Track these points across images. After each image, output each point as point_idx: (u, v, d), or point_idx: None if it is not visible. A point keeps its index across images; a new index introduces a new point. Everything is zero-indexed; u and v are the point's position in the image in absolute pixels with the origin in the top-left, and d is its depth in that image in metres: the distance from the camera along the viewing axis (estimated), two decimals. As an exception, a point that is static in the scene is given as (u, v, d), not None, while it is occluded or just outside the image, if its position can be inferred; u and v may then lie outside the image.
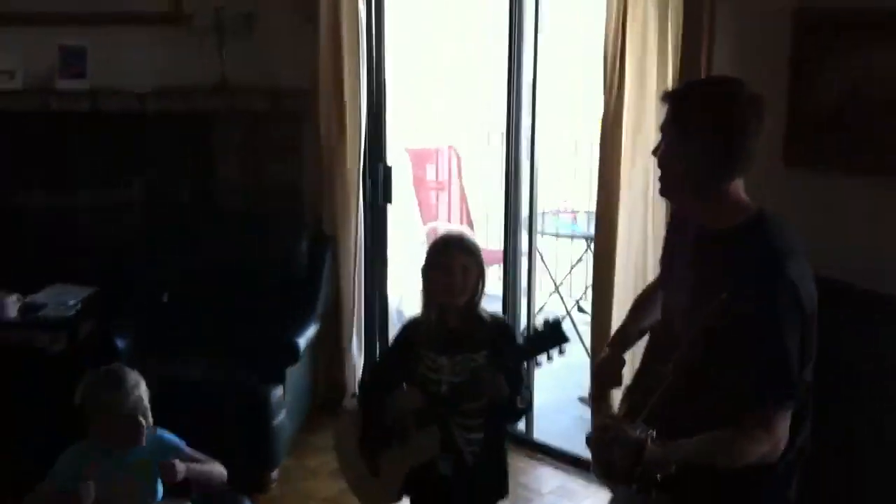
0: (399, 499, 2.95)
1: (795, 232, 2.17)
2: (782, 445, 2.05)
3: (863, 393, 2.50)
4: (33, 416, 3.69)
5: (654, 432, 1.97)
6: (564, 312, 5.71)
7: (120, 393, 2.64)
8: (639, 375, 2.44)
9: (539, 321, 2.64)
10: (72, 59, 4.50)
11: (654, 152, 2.20)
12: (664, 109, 2.18)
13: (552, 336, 2.55)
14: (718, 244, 2.13)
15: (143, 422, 2.67)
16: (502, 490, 2.93)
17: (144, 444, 2.69)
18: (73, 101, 4.47)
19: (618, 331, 2.68)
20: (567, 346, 2.57)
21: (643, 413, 2.15)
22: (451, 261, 2.72)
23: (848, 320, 2.47)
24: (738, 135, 2.06)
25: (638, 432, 1.97)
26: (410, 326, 2.92)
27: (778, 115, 3.05)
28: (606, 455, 2.04)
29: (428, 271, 2.79)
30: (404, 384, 2.82)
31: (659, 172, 2.22)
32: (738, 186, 2.14)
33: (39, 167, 4.62)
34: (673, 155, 2.13)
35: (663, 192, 2.25)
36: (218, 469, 2.86)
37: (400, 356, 2.89)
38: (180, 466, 2.69)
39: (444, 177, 6.84)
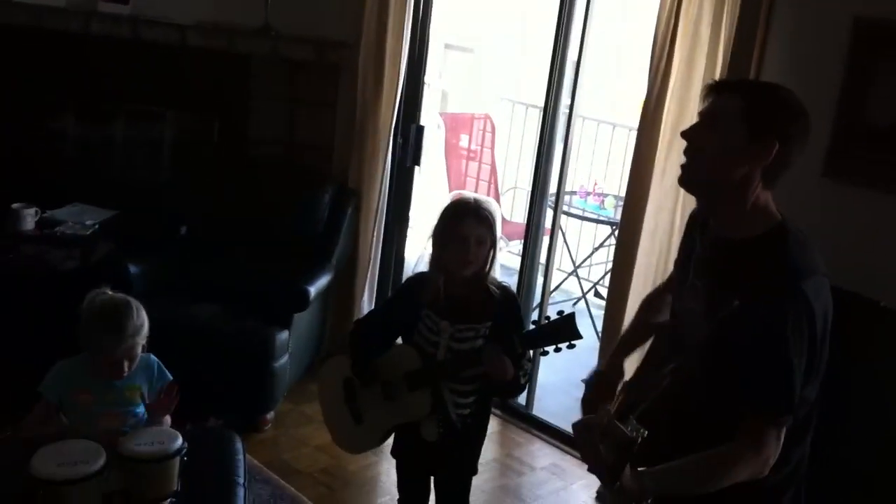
0: (376, 447, 2.97)
1: (817, 248, 2.08)
2: (770, 464, 1.99)
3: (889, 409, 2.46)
4: (39, 330, 3.68)
5: (646, 433, 1.92)
6: (580, 294, 5.68)
7: (117, 338, 2.62)
8: (639, 373, 2.40)
9: (553, 312, 2.58)
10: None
11: (685, 135, 2.09)
12: (709, 97, 2.08)
13: (564, 331, 2.51)
14: (736, 252, 2.04)
15: (127, 365, 2.66)
16: (478, 452, 2.92)
17: (125, 375, 2.68)
18: (113, 26, 4.43)
19: (622, 337, 2.62)
20: (577, 342, 2.53)
21: (637, 411, 2.11)
22: (465, 231, 2.64)
23: (875, 335, 2.42)
24: (784, 146, 1.98)
25: (629, 430, 1.92)
26: (416, 282, 2.85)
27: (823, 125, 2.99)
28: (593, 444, 1.99)
29: (440, 238, 2.71)
30: (400, 341, 2.77)
31: (684, 159, 2.09)
32: (767, 195, 2.05)
33: (74, 88, 4.61)
34: (709, 147, 2.02)
35: (686, 181, 2.10)
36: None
37: (401, 308, 2.84)
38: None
39: (476, 146, 6.79)
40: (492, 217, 2.70)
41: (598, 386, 2.40)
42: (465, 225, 2.64)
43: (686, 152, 2.09)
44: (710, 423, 2.04)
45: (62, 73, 4.57)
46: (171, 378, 2.81)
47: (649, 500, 1.96)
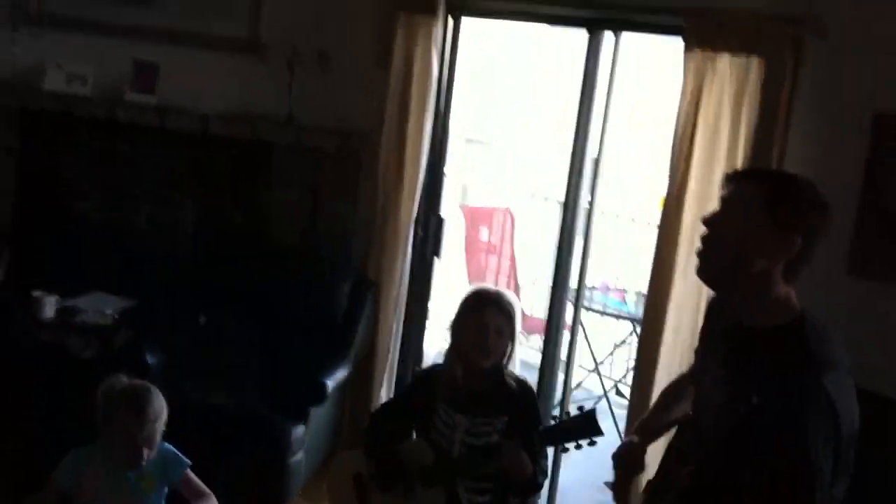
0: None
1: (841, 344, 2.00)
2: None
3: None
4: (55, 418, 3.66)
5: None
6: (602, 392, 5.59)
7: (138, 421, 2.60)
8: (660, 471, 2.33)
9: (574, 406, 2.53)
10: (144, 74, 4.57)
11: (705, 221, 2.02)
12: (727, 188, 2.02)
13: (586, 426, 2.46)
14: (755, 343, 1.97)
15: (147, 453, 2.63)
16: None
17: (144, 463, 2.64)
18: (139, 114, 4.51)
19: (642, 419, 2.56)
20: (599, 439, 2.48)
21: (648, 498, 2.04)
22: (485, 320, 2.61)
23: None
24: (806, 239, 1.93)
25: None
26: (431, 375, 2.81)
27: (846, 222, 2.98)
28: None
29: (459, 327, 2.68)
30: (414, 435, 2.71)
31: (702, 248, 2.01)
32: (789, 288, 1.98)
33: (99, 175, 4.67)
34: (728, 234, 1.96)
35: (703, 270, 2.03)
36: (213, 502, 2.79)
37: (414, 402, 2.79)
38: None
39: (496, 240, 6.79)
40: (512, 308, 2.67)
41: (625, 460, 2.34)
42: (485, 314, 2.62)
43: (704, 240, 2.02)
44: None
45: (88, 159, 4.63)
46: (188, 463, 2.77)
47: None
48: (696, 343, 3.42)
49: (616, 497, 2.10)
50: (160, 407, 2.66)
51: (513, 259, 6.63)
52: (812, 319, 1.98)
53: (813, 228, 1.94)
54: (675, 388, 2.52)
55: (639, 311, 5.19)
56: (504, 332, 2.63)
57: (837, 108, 3.12)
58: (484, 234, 6.86)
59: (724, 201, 2.02)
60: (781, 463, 1.87)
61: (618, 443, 3.94)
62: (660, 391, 3.45)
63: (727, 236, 1.98)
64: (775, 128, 3.20)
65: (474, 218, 6.80)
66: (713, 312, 2.26)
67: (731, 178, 2.05)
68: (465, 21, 4.39)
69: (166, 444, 2.76)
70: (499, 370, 2.66)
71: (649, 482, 2.32)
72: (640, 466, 2.36)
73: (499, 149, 8.73)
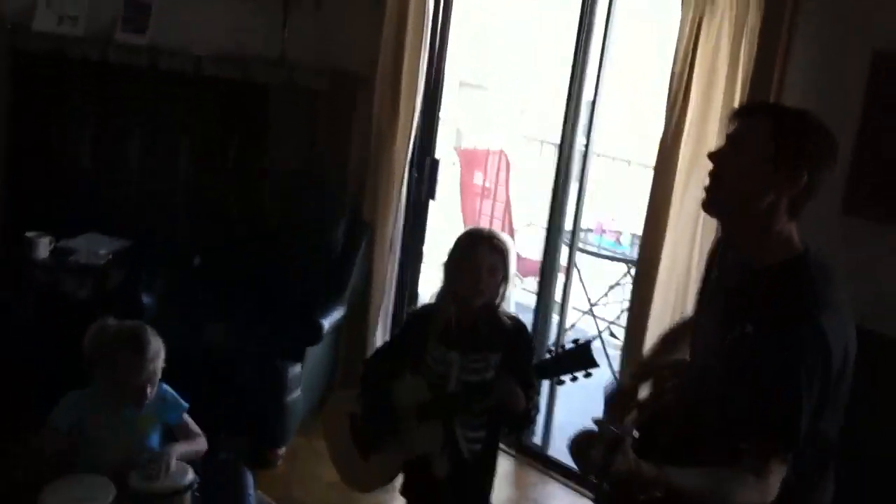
0: (385, 484, 2.90)
1: (841, 283, 2.02)
2: (773, 494, 1.93)
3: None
4: (50, 359, 3.66)
5: (638, 434, 1.88)
6: (596, 333, 5.62)
7: (138, 361, 2.59)
8: (650, 394, 2.36)
9: (569, 340, 2.54)
10: (135, 13, 4.51)
11: (711, 156, 2.04)
12: (734, 123, 2.04)
13: (581, 358, 2.46)
14: (755, 279, 2.00)
15: (150, 390, 2.63)
16: (489, 488, 2.84)
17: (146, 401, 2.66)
18: (131, 55, 4.46)
19: (640, 364, 2.58)
20: (594, 371, 2.48)
21: (635, 421, 2.07)
22: (478, 259, 2.60)
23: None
24: (813, 174, 1.94)
25: (620, 429, 1.90)
26: (423, 315, 2.81)
27: (841, 161, 2.96)
28: (585, 450, 1.98)
29: (452, 266, 2.67)
30: (408, 373, 2.72)
31: (710, 182, 2.03)
32: (792, 225, 2.00)
33: (91, 116, 4.63)
34: (736, 170, 1.97)
35: (710, 205, 2.05)
36: (204, 445, 2.81)
37: (408, 343, 2.79)
38: (172, 458, 2.62)
39: (490, 184, 6.77)
40: (506, 248, 2.66)
41: (612, 405, 2.37)
42: (478, 253, 2.61)
43: (711, 174, 2.04)
44: (709, 444, 1.99)
45: (80, 101, 4.59)
46: (186, 405, 2.78)
47: (658, 494, 1.91)
48: (690, 283, 3.49)
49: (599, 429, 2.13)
50: (158, 345, 2.66)
51: (507, 202, 6.60)
52: (815, 258, 1.99)
53: (819, 163, 1.94)
54: (674, 333, 2.54)
55: (634, 253, 5.19)
56: (497, 270, 2.62)
57: (836, 46, 3.08)
58: (478, 178, 6.82)
59: (731, 136, 2.03)
60: (767, 393, 1.89)
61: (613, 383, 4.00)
62: (653, 331, 3.51)
63: (734, 170, 1.98)
64: (773, 66, 3.16)
65: (469, 161, 6.76)
66: (714, 257, 2.27)
67: (738, 114, 2.06)
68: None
69: (165, 385, 2.76)
70: (492, 309, 2.66)
71: (638, 405, 2.35)
72: (629, 409, 2.39)
73: (494, 92, 8.66)
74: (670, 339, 2.51)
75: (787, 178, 1.93)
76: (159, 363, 2.65)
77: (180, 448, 2.68)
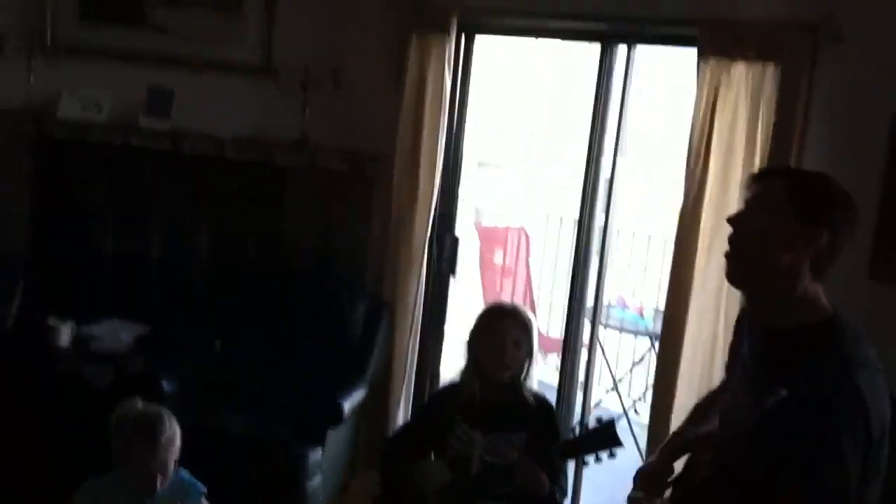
0: None
1: (871, 345, 1.97)
2: None
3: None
4: (73, 448, 3.64)
5: None
6: (621, 411, 5.53)
7: (150, 448, 2.58)
8: (685, 468, 2.28)
9: (593, 419, 2.48)
10: (158, 100, 4.58)
11: (731, 220, 2.02)
12: (751, 188, 2.02)
13: (605, 437, 2.41)
14: (785, 343, 1.95)
15: (161, 479, 2.60)
16: None
17: (158, 491, 2.61)
18: (154, 140, 4.52)
19: (672, 435, 2.52)
20: (619, 450, 2.42)
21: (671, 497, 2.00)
22: (502, 331, 2.58)
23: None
24: (832, 234, 1.91)
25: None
26: (446, 393, 2.77)
27: (866, 225, 2.93)
28: None
29: (476, 340, 2.64)
30: (432, 454, 2.65)
31: (731, 250, 2.01)
32: (819, 287, 1.97)
33: (113, 202, 4.67)
34: (754, 232, 1.95)
35: (732, 272, 2.02)
36: None
37: (431, 422, 2.74)
38: None
39: (511, 261, 6.75)
40: (529, 321, 2.63)
41: (646, 481, 2.28)
42: (502, 326, 2.59)
43: (730, 240, 2.02)
44: None
45: (102, 186, 4.64)
46: (203, 489, 2.73)
47: None
48: (716, 357, 3.43)
49: None
50: (173, 433, 2.63)
51: (528, 280, 6.58)
52: (845, 318, 1.96)
53: (837, 221, 1.92)
54: (705, 404, 2.48)
55: (657, 328, 5.13)
56: (521, 344, 2.59)
57: (855, 112, 3.08)
58: (498, 256, 6.81)
59: (748, 200, 2.01)
60: (808, 460, 1.82)
61: (639, 462, 3.91)
62: (678, 407, 3.44)
63: (752, 233, 1.96)
64: (793, 134, 3.16)
65: (488, 239, 6.76)
66: (742, 325, 2.24)
67: (755, 178, 2.06)
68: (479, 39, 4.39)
69: (182, 471, 2.73)
70: (517, 385, 2.62)
71: (672, 480, 2.28)
72: (664, 486, 2.31)
73: (511, 171, 8.72)
74: (702, 409, 2.45)
75: (805, 236, 1.91)
76: (172, 452, 2.62)
77: None
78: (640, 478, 2.34)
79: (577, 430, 2.47)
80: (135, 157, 4.57)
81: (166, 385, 3.86)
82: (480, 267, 6.60)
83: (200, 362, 4.16)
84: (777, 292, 1.97)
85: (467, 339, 2.68)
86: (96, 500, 2.63)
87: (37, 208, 4.69)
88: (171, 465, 2.63)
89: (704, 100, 3.42)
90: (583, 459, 2.48)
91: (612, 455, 2.41)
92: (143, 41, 4.62)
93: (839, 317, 1.96)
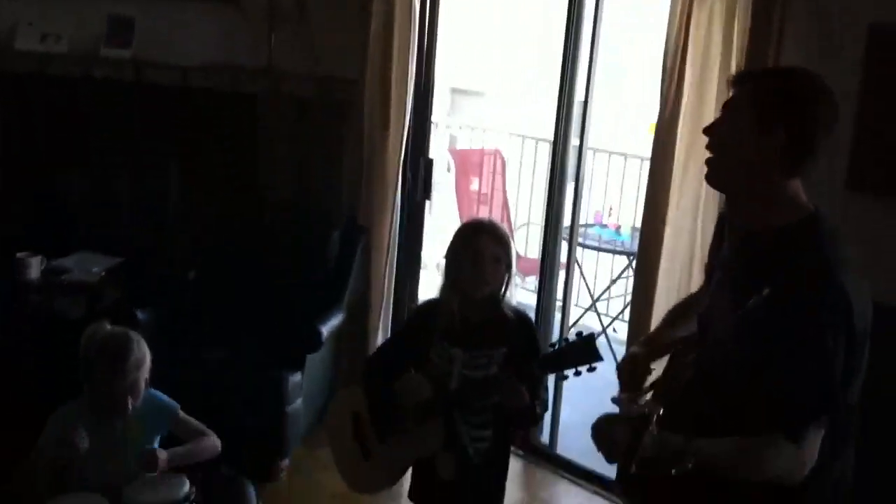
0: (390, 486, 2.83)
1: (851, 246, 1.98)
2: (809, 465, 1.87)
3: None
4: (45, 378, 3.62)
5: (662, 410, 1.82)
6: (600, 329, 5.56)
7: (119, 371, 2.55)
8: (666, 370, 2.29)
9: (573, 333, 2.47)
10: (119, 29, 4.47)
11: (708, 130, 2.03)
12: (730, 89, 2.03)
13: (585, 352, 2.38)
14: (766, 241, 1.95)
15: (132, 400, 2.58)
16: (501, 493, 2.77)
17: (129, 412, 2.60)
18: (116, 70, 4.41)
19: (649, 335, 2.52)
20: (598, 364, 2.41)
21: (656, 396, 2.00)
22: (481, 248, 2.54)
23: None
24: (812, 130, 1.90)
25: (643, 406, 1.83)
26: (426, 310, 2.74)
27: (843, 137, 2.92)
28: (608, 433, 1.95)
29: (454, 257, 2.61)
30: (412, 370, 2.64)
31: (708, 154, 2.02)
32: (797, 185, 1.97)
33: (79, 134, 4.58)
34: (740, 137, 1.94)
35: (713, 177, 2.05)
36: (210, 442, 2.76)
37: (411, 339, 2.72)
38: (162, 456, 2.58)
39: (487, 189, 6.70)
40: (507, 237, 2.61)
41: (626, 377, 2.30)
42: (480, 241, 2.55)
43: (708, 147, 2.03)
44: (736, 417, 1.91)
45: (65, 118, 4.53)
46: (175, 406, 2.73)
47: (689, 465, 1.85)
48: (693, 272, 3.43)
49: (621, 409, 2.06)
50: (142, 355, 2.61)
51: (505, 204, 6.54)
52: (825, 217, 1.96)
53: (800, 118, 1.90)
54: (683, 308, 2.48)
55: (634, 245, 5.13)
56: (501, 259, 2.56)
57: (831, 21, 3.03)
58: (475, 184, 6.77)
59: (726, 109, 2.03)
60: (792, 360, 1.83)
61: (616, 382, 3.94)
62: (657, 318, 3.44)
63: (724, 140, 1.98)
64: (768, 48, 3.11)
65: (464, 164, 6.70)
66: (722, 226, 2.23)
67: (730, 82, 2.05)
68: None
69: (153, 392, 2.71)
70: (496, 301, 2.59)
71: (653, 383, 2.28)
72: (645, 375, 2.32)
73: (486, 97, 8.64)
74: (677, 314, 2.44)
75: (766, 135, 1.90)
76: (142, 373, 2.60)
77: (176, 449, 2.63)
78: (620, 374, 2.35)
79: (557, 344, 2.45)
80: (97, 88, 4.46)
81: (140, 314, 3.81)
82: (456, 193, 6.55)
83: (175, 292, 4.12)
84: (752, 192, 1.97)
85: (445, 256, 2.65)
86: (68, 423, 2.60)
87: (-1, 142, 4.60)
88: (142, 386, 2.61)
89: (679, 12, 3.35)
90: (562, 373, 2.47)
91: (591, 369, 2.40)
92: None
93: (820, 215, 1.96)
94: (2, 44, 4.46)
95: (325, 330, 3.80)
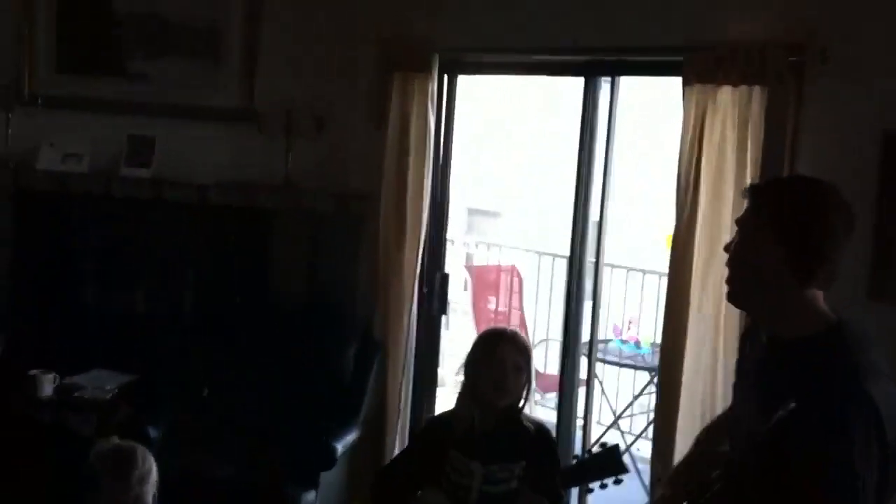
0: None
1: (882, 353, 1.92)
2: None
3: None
4: (57, 497, 3.56)
5: None
6: (623, 448, 5.42)
7: (123, 486, 2.48)
8: (694, 485, 2.20)
9: (596, 445, 2.40)
10: (139, 149, 4.55)
11: (727, 248, 2.03)
12: (744, 205, 2.02)
13: (609, 463, 2.32)
14: (791, 353, 1.91)
15: None
16: None
17: None
18: (135, 188, 4.46)
19: (678, 465, 2.44)
20: (624, 477, 2.33)
21: None
22: (503, 356, 2.50)
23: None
24: (827, 240, 1.88)
25: None
26: (439, 423, 2.68)
27: (864, 245, 2.89)
28: None
29: (475, 364, 2.56)
30: (427, 486, 2.55)
31: (728, 273, 2.02)
32: (818, 296, 1.94)
33: (96, 251, 4.61)
34: (751, 252, 1.95)
35: (733, 295, 2.04)
36: None
37: (423, 454, 2.65)
38: None
39: (504, 307, 6.68)
40: (528, 346, 2.57)
41: None
42: (501, 349, 2.51)
43: (727, 265, 2.04)
44: None
45: (84, 236, 4.58)
46: None
47: None
48: (716, 389, 3.35)
49: None
50: (147, 469, 2.55)
51: (522, 322, 6.51)
52: (852, 326, 1.91)
53: (804, 229, 1.89)
54: (709, 432, 2.42)
55: (655, 360, 5.05)
56: (522, 369, 2.52)
57: (845, 130, 3.04)
58: (492, 303, 6.75)
59: (740, 224, 2.03)
60: (820, 472, 1.74)
61: (643, 497, 3.81)
62: (680, 441, 3.35)
63: (738, 254, 1.99)
64: (783, 155, 3.12)
65: (481, 282, 6.70)
66: (745, 343, 2.21)
67: (746, 195, 2.04)
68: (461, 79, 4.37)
69: None
70: (515, 412, 2.53)
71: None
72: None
73: (502, 216, 8.71)
74: (711, 431, 2.38)
75: (808, 250, 1.88)
76: (148, 488, 2.53)
77: None
78: None
79: (581, 457, 2.37)
80: (116, 206, 4.51)
81: (152, 431, 3.78)
82: (474, 312, 6.53)
83: (188, 408, 4.08)
84: (770, 304, 1.96)
85: (465, 364, 2.60)
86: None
87: (18, 260, 4.62)
88: (149, 502, 2.53)
89: (691, 124, 3.38)
90: (587, 486, 2.38)
91: (617, 481, 2.32)
92: (122, 90, 4.59)
93: (845, 324, 1.91)
94: (24, 163, 4.53)
95: (340, 447, 3.74)
